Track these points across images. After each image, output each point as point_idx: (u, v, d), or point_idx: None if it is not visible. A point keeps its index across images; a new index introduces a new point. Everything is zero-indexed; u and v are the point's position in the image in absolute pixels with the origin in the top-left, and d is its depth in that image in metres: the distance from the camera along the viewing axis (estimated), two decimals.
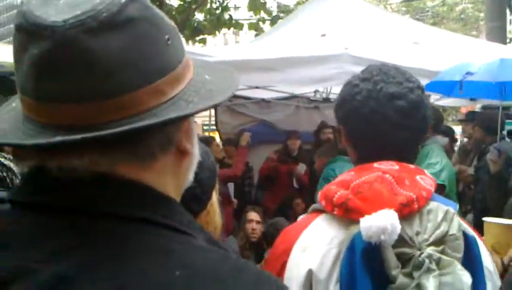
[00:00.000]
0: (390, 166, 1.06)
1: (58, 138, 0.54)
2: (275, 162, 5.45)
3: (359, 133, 1.14)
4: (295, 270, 1.05)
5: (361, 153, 1.15)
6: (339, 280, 0.99)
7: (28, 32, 0.55)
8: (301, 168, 5.30)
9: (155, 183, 0.60)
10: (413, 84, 1.12)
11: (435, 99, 6.35)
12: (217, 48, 6.71)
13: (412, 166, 1.09)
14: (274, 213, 4.87)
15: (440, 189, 3.70)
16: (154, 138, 0.59)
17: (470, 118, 5.35)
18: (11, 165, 1.53)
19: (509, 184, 3.48)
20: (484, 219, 1.60)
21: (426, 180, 1.06)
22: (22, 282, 0.51)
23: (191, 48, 5.33)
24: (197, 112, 0.61)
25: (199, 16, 7.47)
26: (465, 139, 5.74)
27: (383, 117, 1.08)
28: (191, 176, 0.69)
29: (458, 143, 6.44)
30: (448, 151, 4.91)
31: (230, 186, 5.15)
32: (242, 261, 0.61)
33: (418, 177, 1.05)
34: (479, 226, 1.79)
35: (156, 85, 0.58)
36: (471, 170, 4.58)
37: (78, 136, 0.53)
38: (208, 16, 7.28)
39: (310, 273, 1.03)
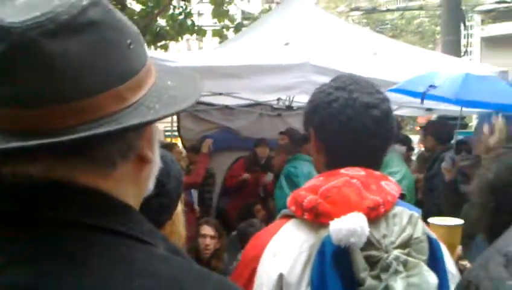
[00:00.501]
0: (357, 172, 1.09)
1: (13, 144, 0.52)
2: (241, 170, 5.45)
3: (334, 139, 1.17)
4: (265, 275, 1.06)
5: (332, 158, 1.18)
6: (309, 283, 1.01)
7: None
8: (269, 177, 5.33)
9: (114, 191, 0.59)
10: (382, 96, 1.19)
11: (393, 109, 6.55)
12: (180, 53, 6.67)
13: (377, 172, 1.14)
14: (236, 220, 4.87)
15: (401, 198, 3.77)
16: (114, 145, 0.58)
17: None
18: None
19: (461, 191, 3.62)
20: (429, 220, 1.60)
21: (391, 186, 1.10)
22: None
23: (153, 53, 5.27)
24: (159, 119, 0.60)
25: (162, 22, 7.40)
26: (422, 148, 5.94)
27: (359, 124, 1.13)
28: (151, 184, 0.68)
29: (415, 152, 6.66)
30: (406, 160, 5.07)
31: (194, 193, 5.12)
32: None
33: (383, 182, 1.09)
34: None
35: (117, 90, 0.56)
36: None
37: (33, 142, 0.51)
38: (171, 22, 7.23)
39: (280, 277, 1.04)
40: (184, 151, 5.28)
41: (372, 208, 1.01)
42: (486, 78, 3.96)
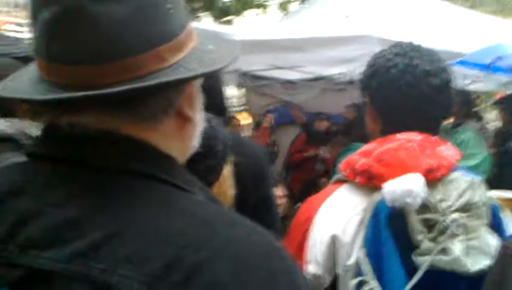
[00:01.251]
0: (413, 136, 1.07)
1: (63, 95, 0.58)
2: (301, 143, 5.45)
3: (391, 104, 1.14)
4: (318, 235, 1.07)
5: (387, 124, 1.15)
6: (363, 245, 1.00)
7: None
8: (324, 151, 5.29)
9: (158, 144, 0.63)
10: (444, 65, 1.16)
11: (465, 84, 6.20)
12: (244, 27, 6.69)
13: (434, 138, 1.11)
14: (299, 194, 4.89)
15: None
16: (155, 101, 0.62)
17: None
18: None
19: None
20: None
21: (449, 151, 1.07)
22: (35, 222, 0.56)
23: (217, 28, 5.33)
24: (195, 77, 0.64)
25: None
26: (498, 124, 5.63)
27: (417, 91, 1.11)
28: (195, 142, 0.72)
29: (491, 128, 6.31)
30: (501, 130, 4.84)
31: None
32: (238, 215, 0.63)
33: (440, 148, 1.07)
34: None
35: (157, 51, 0.60)
36: None
37: (79, 94, 0.57)
38: None
39: (333, 238, 1.04)
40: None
41: (429, 171, 0.98)
42: None
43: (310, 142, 5.49)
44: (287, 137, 5.76)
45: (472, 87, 6.33)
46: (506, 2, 17.52)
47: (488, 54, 3.69)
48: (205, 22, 6.32)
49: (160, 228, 0.55)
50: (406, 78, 1.11)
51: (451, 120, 4.20)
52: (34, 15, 0.60)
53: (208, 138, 1.22)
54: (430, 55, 1.15)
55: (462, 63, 3.95)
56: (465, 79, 5.80)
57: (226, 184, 1.34)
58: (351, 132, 4.73)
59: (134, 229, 0.55)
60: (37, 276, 0.54)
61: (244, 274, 0.54)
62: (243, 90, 6.39)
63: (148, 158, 0.62)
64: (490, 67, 3.68)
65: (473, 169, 3.66)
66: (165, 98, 0.63)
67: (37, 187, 0.60)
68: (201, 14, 7.32)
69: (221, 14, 7.18)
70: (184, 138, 0.69)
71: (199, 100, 0.70)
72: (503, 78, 4.98)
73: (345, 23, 4.53)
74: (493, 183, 3.93)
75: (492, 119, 6.52)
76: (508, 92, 6.45)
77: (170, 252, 0.53)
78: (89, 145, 0.60)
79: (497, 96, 7.21)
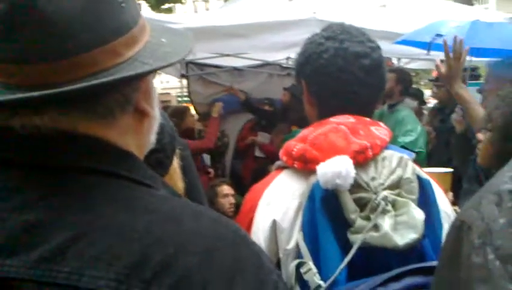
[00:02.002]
0: (346, 119, 1.10)
1: (18, 96, 0.55)
2: (247, 131, 5.48)
3: (325, 89, 1.16)
4: (261, 222, 1.09)
5: (323, 108, 1.18)
6: (301, 228, 1.02)
7: None
8: (262, 137, 5.34)
9: (117, 141, 0.63)
10: (374, 44, 1.18)
11: (405, 62, 6.42)
12: (185, 14, 6.59)
13: (367, 119, 1.14)
14: (249, 183, 4.92)
15: (416, 155, 3.74)
16: (111, 97, 0.61)
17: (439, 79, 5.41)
18: None
19: (472, 143, 3.57)
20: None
21: (381, 131, 1.10)
22: None
23: (157, 16, 5.22)
24: (150, 72, 0.63)
25: None
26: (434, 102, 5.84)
27: (349, 74, 1.13)
28: (152, 138, 0.72)
29: (428, 106, 6.55)
30: (417, 113, 5.00)
31: (206, 156, 5.17)
32: (202, 207, 0.64)
33: (372, 127, 1.10)
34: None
35: (111, 46, 0.59)
36: None
37: (36, 93, 0.55)
38: None
39: (274, 223, 1.06)
40: (196, 116, 5.31)
41: (359, 152, 1.01)
42: (496, 24, 3.81)
43: (254, 130, 5.51)
44: (235, 126, 5.75)
45: (411, 66, 6.57)
46: None
47: (427, 32, 3.80)
48: (143, 11, 6.15)
49: (126, 226, 0.55)
50: (338, 62, 1.12)
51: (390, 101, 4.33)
52: None
53: None
54: (360, 36, 1.16)
55: (403, 42, 4.07)
56: (404, 58, 6.02)
57: (176, 177, 1.33)
58: (289, 114, 4.79)
59: (100, 229, 0.54)
60: (2, 285, 0.53)
61: (213, 265, 0.55)
62: (185, 80, 6.29)
63: (108, 156, 0.61)
64: (431, 46, 3.79)
65: (409, 145, 3.82)
66: (121, 95, 0.62)
67: None
68: (139, 2, 7.14)
69: (160, 1, 7.02)
70: (143, 134, 0.68)
71: (155, 94, 0.69)
72: (440, 54, 5.19)
73: (289, 7, 4.56)
74: (438, 160, 4.10)
75: (427, 97, 6.78)
76: None
77: (138, 250, 0.53)
78: (45, 147, 0.59)
79: (434, 74, 7.50)
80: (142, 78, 0.64)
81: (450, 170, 1.70)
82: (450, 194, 1.70)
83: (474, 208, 0.81)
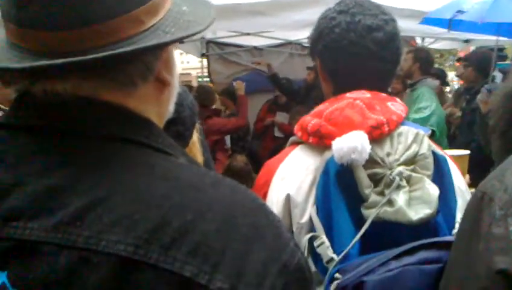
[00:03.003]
0: (362, 94, 1.09)
1: (42, 62, 0.56)
2: (265, 113, 5.48)
3: (338, 64, 1.15)
4: (275, 196, 1.10)
5: (337, 84, 1.17)
6: (315, 202, 1.03)
7: None
8: (280, 116, 5.32)
9: (137, 109, 0.63)
10: (388, 17, 1.15)
11: (429, 42, 6.28)
12: None
13: (383, 94, 1.12)
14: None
15: (431, 135, 3.67)
16: (133, 66, 0.61)
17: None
18: None
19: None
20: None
21: (397, 106, 1.09)
22: (16, 193, 0.55)
23: None
24: (174, 41, 0.63)
25: None
26: (460, 84, 5.71)
27: (362, 48, 1.11)
28: (171, 107, 0.72)
29: (453, 88, 6.41)
30: (439, 94, 4.90)
31: (227, 138, 5.20)
32: (220, 176, 0.64)
33: (389, 103, 1.08)
34: (475, 167, 1.79)
35: (135, 13, 0.59)
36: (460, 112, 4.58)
37: (59, 61, 0.55)
38: None
39: (288, 197, 1.07)
40: (217, 96, 5.32)
41: (375, 127, 1.00)
42: None
43: (272, 110, 5.47)
44: (253, 107, 5.74)
45: (435, 46, 6.42)
46: None
47: (450, 9, 3.71)
48: None
49: (145, 192, 0.56)
50: (350, 36, 1.11)
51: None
52: None
53: (175, 104, 1.23)
54: (374, 8, 1.15)
55: (425, 21, 3.98)
56: (428, 38, 5.89)
57: (197, 150, 1.35)
58: (311, 93, 4.76)
59: (119, 195, 0.55)
60: (23, 247, 0.54)
61: (231, 232, 0.55)
62: (205, 60, 6.28)
63: (128, 123, 0.62)
64: (452, 22, 3.69)
65: (419, 122, 3.75)
66: (143, 63, 0.62)
67: (14, 158, 0.58)
68: None
69: None
70: (162, 103, 0.69)
71: (175, 64, 0.70)
72: (465, 35, 5.06)
73: None
74: (461, 141, 4.01)
75: (451, 78, 6.63)
76: (471, 49, 6.57)
77: (157, 216, 0.54)
78: (65, 113, 0.59)
79: (460, 54, 7.31)
80: (164, 48, 0.65)
81: (467, 152, 1.67)
82: (467, 176, 1.68)
83: (497, 180, 0.79)
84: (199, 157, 1.37)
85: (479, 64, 4.25)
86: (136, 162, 0.59)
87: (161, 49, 0.64)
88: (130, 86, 0.62)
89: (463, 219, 0.82)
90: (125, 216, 0.53)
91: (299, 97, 5.29)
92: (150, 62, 0.63)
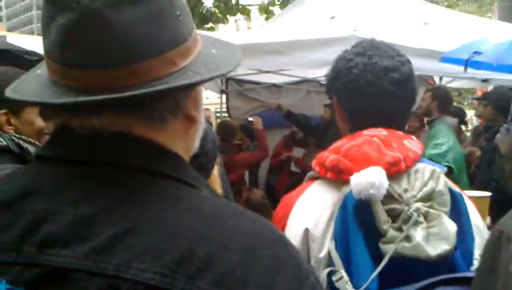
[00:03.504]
0: (378, 132, 1.12)
1: (82, 98, 0.61)
2: (281, 148, 5.52)
3: (355, 103, 1.19)
4: (293, 230, 1.11)
5: (354, 122, 1.20)
6: (333, 237, 1.05)
7: (57, 4, 0.61)
8: (297, 152, 5.35)
9: (166, 143, 0.67)
10: (404, 58, 1.20)
11: (447, 81, 6.31)
12: (227, 33, 6.73)
13: (400, 132, 1.15)
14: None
15: (447, 171, 3.68)
16: (165, 103, 0.65)
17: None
18: (29, 147, 1.57)
19: None
20: None
21: (413, 144, 1.12)
22: (51, 221, 0.58)
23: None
24: (204, 81, 0.67)
25: (208, 3, 7.49)
26: (478, 122, 5.68)
27: (378, 89, 1.15)
28: (197, 143, 0.76)
29: (470, 127, 6.37)
30: (457, 133, 4.88)
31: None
32: (241, 208, 0.67)
33: (405, 141, 1.11)
34: (494, 205, 1.77)
35: (168, 56, 0.64)
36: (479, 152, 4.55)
37: (100, 97, 0.60)
38: (217, 3, 7.30)
39: (306, 232, 1.08)
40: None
41: (393, 164, 1.03)
42: None
43: (288, 146, 5.53)
44: (271, 142, 5.80)
45: (452, 85, 6.43)
46: (482, 2, 17.74)
47: (467, 50, 3.75)
48: None
49: (172, 222, 0.58)
50: (367, 76, 1.15)
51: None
52: (48, 22, 0.62)
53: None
54: (390, 51, 1.20)
55: (443, 60, 4.02)
56: (446, 76, 5.92)
57: (216, 183, 1.39)
58: (329, 130, 4.80)
59: (147, 225, 0.57)
60: (55, 274, 0.56)
61: (253, 263, 0.57)
62: (224, 96, 6.40)
63: (157, 157, 0.65)
64: (468, 63, 3.72)
65: (435, 157, 3.72)
66: (174, 101, 0.66)
67: (50, 188, 0.62)
68: None
69: (203, 21, 7.21)
70: (189, 138, 0.73)
71: (202, 101, 0.74)
72: (483, 74, 5.07)
73: (330, 25, 4.59)
74: (480, 180, 3.96)
75: (470, 117, 6.60)
76: (490, 88, 6.57)
77: (183, 245, 0.56)
78: (101, 146, 0.63)
79: (479, 93, 7.29)
80: (193, 87, 0.69)
81: (488, 194, 1.65)
82: (488, 218, 1.65)
83: None
84: (218, 189, 1.40)
85: (498, 103, 4.24)
86: (163, 194, 0.62)
87: (190, 89, 0.68)
88: (161, 121, 0.66)
89: (481, 258, 0.83)
90: (152, 246, 0.56)
91: (316, 133, 5.32)
92: (180, 100, 0.67)
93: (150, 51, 0.62)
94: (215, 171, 1.38)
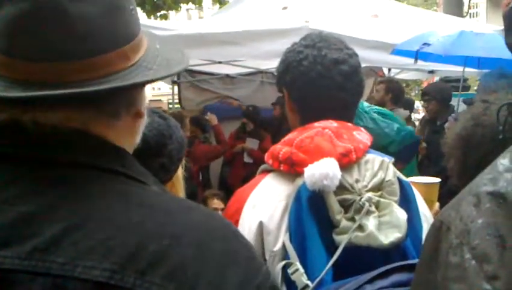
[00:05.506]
0: (329, 124, 1.13)
1: (40, 92, 0.57)
2: (232, 139, 5.52)
3: (306, 96, 1.20)
4: (247, 224, 1.10)
5: (305, 114, 1.21)
6: (288, 229, 1.04)
7: None
8: (250, 143, 5.38)
9: (114, 139, 0.65)
10: (351, 51, 1.22)
11: (395, 73, 6.50)
12: (178, 22, 6.62)
13: (349, 124, 1.17)
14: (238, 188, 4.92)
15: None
16: (121, 99, 0.64)
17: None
18: None
19: None
20: (409, 179, 1.68)
21: (363, 135, 1.14)
22: None
23: (151, 22, 5.25)
24: (160, 78, 0.66)
25: None
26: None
27: (329, 80, 1.16)
28: (139, 137, 0.75)
29: (420, 116, 6.61)
30: (407, 123, 5.05)
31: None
32: (194, 203, 0.67)
33: (355, 132, 1.13)
34: (445, 193, 1.84)
35: (123, 50, 0.63)
36: None
37: (58, 92, 0.57)
38: None
39: (260, 225, 1.08)
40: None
41: (344, 155, 1.04)
42: (483, 35, 3.89)
43: (238, 137, 5.56)
44: (225, 133, 5.79)
45: (401, 76, 6.64)
46: None
47: (417, 42, 3.88)
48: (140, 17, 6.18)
49: (120, 218, 0.57)
50: (317, 68, 1.16)
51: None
52: None
53: (163, 136, 1.23)
54: (338, 43, 1.21)
55: (395, 52, 4.15)
56: (395, 68, 6.10)
57: (179, 186, 1.34)
58: (282, 126, 4.83)
59: (95, 221, 0.56)
60: None
61: (206, 257, 0.57)
62: (176, 87, 6.31)
63: (105, 152, 0.64)
64: (418, 54, 3.86)
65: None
66: (129, 96, 0.65)
67: None
68: None
69: (155, 8, 7.07)
70: (134, 133, 0.71)
71: (146, 96, 0.73)
72: (430, 66, 5.27)
73: (282, 15, 4.60)
74: (424, 171, 4.13)
75: (419, 108, 6.87)
76: (435, 80, 6.83)
77: (133, 241, 0.55)
78: (50, 143, 0.61)
79: (425, 84, 7.57)
80: (152, 83, 0.67)
81: (437, 180, 1.72)
82: (437, 204, 1.72)
83: (454, 209, 0.82)
84: (181, 193, 1.35)
85: (441, 97, 4.45)
86: (112, 190, 0.60)
87: (145, 85, 0.68)
88: (115, 117, 0.65)
89: (423, 247, 0.85)
90: (100, 242, 0.54)
91: (270, 127, 5.35)
92: (134, 96, 0.67)
93: (107, 45, 0.61)
94: (179, 172, 1.33)
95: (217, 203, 3.92)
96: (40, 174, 0.59)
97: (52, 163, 0.60)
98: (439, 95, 4.46)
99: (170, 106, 9.83)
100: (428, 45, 3.78)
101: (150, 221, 0.57)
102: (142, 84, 0.65)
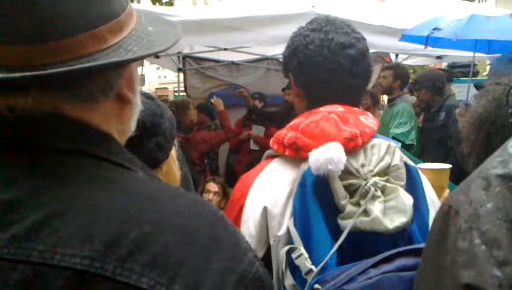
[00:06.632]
0: (335, 108, 1.12)
1: (9, 75, 0.55)
2: (238, 127, 5.50)
3: (312, 80, 1.18)
4: (251, 209, 1.10)
5: (311, 99, 1.19)
6: (292, 214, 1.03)
7: None
8: (256, 129, 5.36)
9: (100, 124, 0.63)
10: (359, 35, 1.20)
11: (403, 58, 6.43)
12: (183, 8, 6.57)
13: (356, 109, 1.15)
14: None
15: (409, 149, 3.89)
16: (94, 82, 0.61)
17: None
18: None
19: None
20: (418, 165, 1.66)
21: (369, 120, 1.12)
22: None
23: (156, 8, 5.21)
24: (135, 60, 0.63)
25: None
26: None
27: (336, 64, 1.14)
28: (133, 125, 0.72)
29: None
30: (415, 109, 5.02)
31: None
32: (180, 189, 0.65)
33: (361, 117, 1.11)
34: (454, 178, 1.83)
35: (98, 31, 0.59)
36: None
37: (18, 74, 0.55)
38: None
39: (265, 210, 1.07)
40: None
41: (350, 139, 1.03)
42: (494, 18, 3.82)
43: (245, 124, 5.53)
44: (231, 121, 5.77)
45: (408, 62, 6.57)
46: None
47: (427, 27, 3.83)
48: (144, 3, 6.14)
49: (102, 205, 0.55)
50: (324, 52, 1.14)
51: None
52: None
53: (155, 115, 1.23)
54: (345, 27, 1.19)
55: (404, 38, 4.10)
56: (402, 54, 6.03)
57: (174, 165, 1.34)
58: (291, 113, 4.79)
59: (76, 208, 0.54)
60: None
61: (189, 244, 0.55)
62: (182, 74, 6.29)
63: (88, 138, 0.61)
64: (429, 39, 3.82)
65: (400, 136, 3.90)
66: (104, 80, 0.62)
67: None
68: None
69: None
70: (124, 120, 0.69)
71: (137, 82, 0.70)
72: (438, 51, 5.21)
73: (287, 1, 4.55)
74: (433, 157, 4.13)
75: None
76: (443, 65, 6.75)
77: (114, 228, 0.53)
78: (27, 128, 0.58)
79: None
80: (125, 65, 0.65)
81: (449, 166, 1.70)
82: (447, 191, 1.70)
83: (463, 193, 0.81)
84: (177, 173, 1.36)
85: (433, 84, 4.41)
86: (94, 176, 0.59)
87: (122, 67, 0.65)
88: (92, 101, 0.62)
89: (431, 231, 0.84)
90: (81, 229, 0.53)
91: (275, 119, 5.31)
92: (111, 79, 0.64)
93: (77, 26, 0.58)
94: (173, 151, 1.34)
95: (211, 185, 4.01)
96: (21, 160, 0.58)
97: (32, 149, 0.58)
98: (429, 83, 4.45)
99: (176, 93, 9.82)
100: (439, 29, 3.73)
101: (132, 207, 0.56)
102: (107, 67, 0.60)
